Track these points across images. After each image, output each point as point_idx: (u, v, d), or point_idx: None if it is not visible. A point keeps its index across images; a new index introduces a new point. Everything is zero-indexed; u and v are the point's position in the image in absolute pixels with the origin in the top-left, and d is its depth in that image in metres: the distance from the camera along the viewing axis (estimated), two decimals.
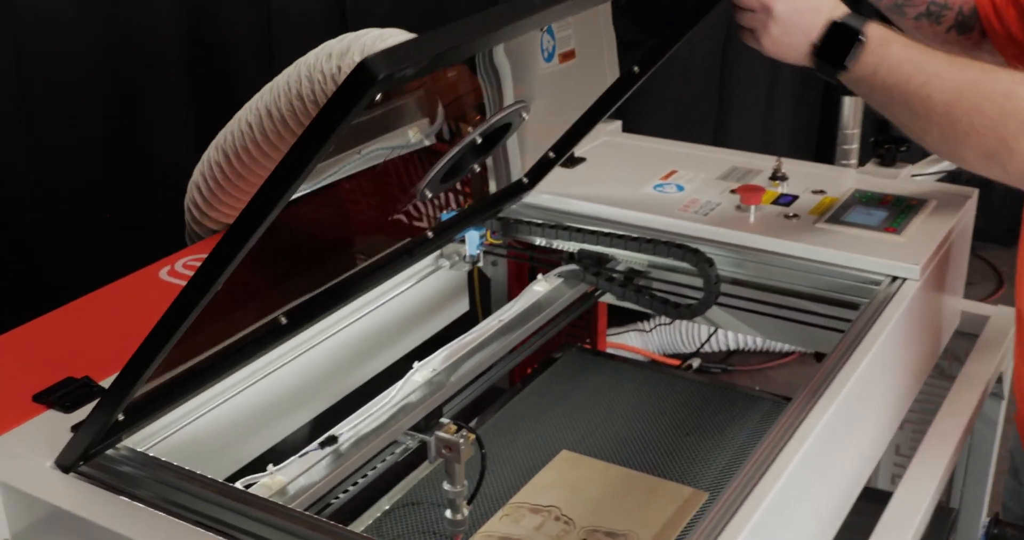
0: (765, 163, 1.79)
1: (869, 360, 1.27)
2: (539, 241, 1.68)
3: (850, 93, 1.57)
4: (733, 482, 1.07)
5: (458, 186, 1.63)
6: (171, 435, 1.25)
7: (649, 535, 1.37)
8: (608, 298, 1.68)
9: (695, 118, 2.99)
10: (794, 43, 1.33)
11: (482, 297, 1.78)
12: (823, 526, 1.25)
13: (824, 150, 3.19)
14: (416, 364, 1.38)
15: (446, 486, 1.28)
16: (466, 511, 1.30)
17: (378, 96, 0.92)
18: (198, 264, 1.03)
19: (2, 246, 2.10)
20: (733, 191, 1.67)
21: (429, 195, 1.46)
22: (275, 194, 0.94)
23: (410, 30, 1.47)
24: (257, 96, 1.55)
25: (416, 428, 1.31)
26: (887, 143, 1.73)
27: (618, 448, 1.54)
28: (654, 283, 1.69)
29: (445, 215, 1.59)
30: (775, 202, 1.65)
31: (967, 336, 1.72)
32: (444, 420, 1.28)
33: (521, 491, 1.45)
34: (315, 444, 1.24)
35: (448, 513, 1.30)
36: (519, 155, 1.69)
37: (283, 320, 1.30)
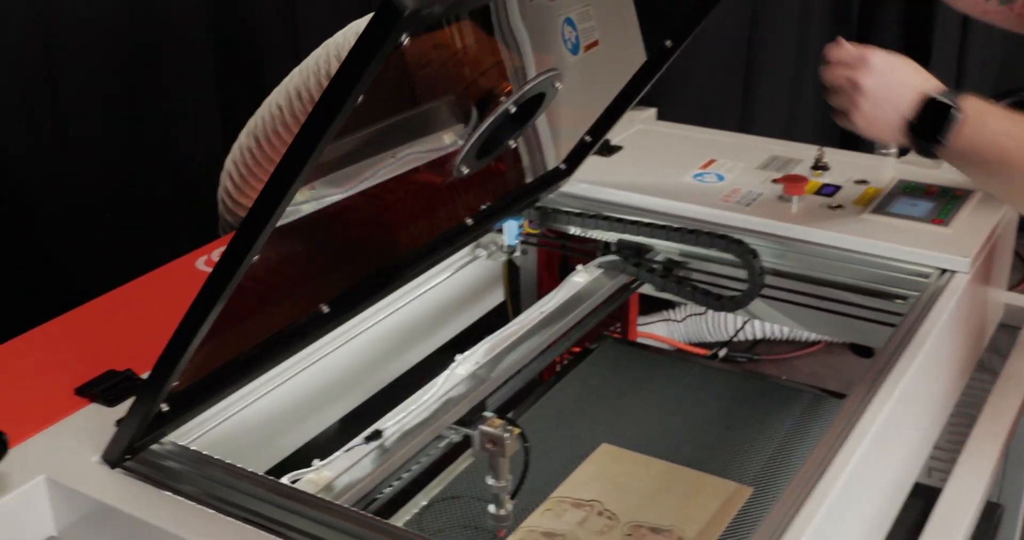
0: (803, 152, 1.77)
1: (923, 355, 1.25)
2: (573, 231, 1.66)
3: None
4: (792, 481, 1.06)
5: (496, 173, 1.61)
6: (212, 429, 1.23)
7: (694, 531, 1.35)
8: (646, 289, 1.66)
9: (720, 104, 2.96)
10: (886, 119, 1.29)
11: (517, 287, 1.76)
12: (878, 522, 1.23)
13: (849, 137, 3.16)
14: (458, 357, 1.37)
15: (490, 480, 1.26)
16: (510, 506, 1.29)
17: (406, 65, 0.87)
18: None
19: (25, 235, 2.08)
20: (775, 181, 1.64)
21: (466, 171, 1.43)
22: (307, 147, 0.90)
23: None
24: (287, 79, 1.53)
25: (459, 422, 1.29)
26: None
27: (658, 441, 1.52)
28: (692, 274, 1.66)
29: (484, 204, 1.57)
30: (817, 192, 1.63)
31: (1009, 329, 1.70)
32: (487, 414, 1.26)
33: (562, 485, 1.43)
34: (360, 438, 1.22)
35: (492, 508, 1.28)
36: (554, 143, 1.67)
37: (325, 309, 1.28)
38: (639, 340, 2.02)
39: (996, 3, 1.58)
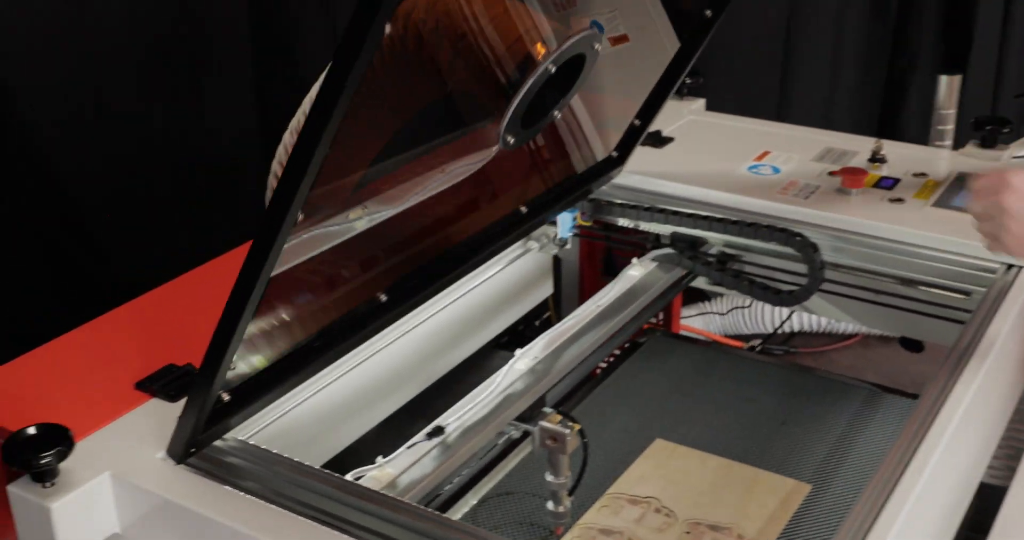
0: (858, 144, 1.74)
1: (995, 353, 1.23)
2: (623, 222, 1.63)
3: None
4: (871, 482, 1.03)
5: (549, 162, 1.58)
6: (269, 425, 1.22)
7: (754, 529, 1.33)
8: (699, 282, 1.64)
9: (757, 92, 2.92)
10: None
11: (567, 280, 1.74)
12: (949, 522, 1.21)
13: (885, 127, 3.13)
14: (518, 352, 1.35)
15: (548, 477, 1.24)
16: (568, 503, 1.27)
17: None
18: None
19: (67, 229, 2.06)
20: (832, 173, 1.62)
21: (511, 141, 1.39)
22: (326, 109, 0.91)
23: None
24: (327, 70, 1.50)
25: (519, 418, 1.27)
26: (989, 124, 1.67)
27: (712, 436, 1.50)
28: (745, 267, 1.64)
29: (537, 193, 1.54)
30: (876, 185, 1.60)
31: None
32: (547, 410, 1.24)
33: (617, 481, 1.41)
34: (422, 435, 1.20)
35: (550, 504, 1.27)
36: (604, 133, 1.65)
37: (383, 298, 1.26)
38: (681, 333, 2.00)
39: None
